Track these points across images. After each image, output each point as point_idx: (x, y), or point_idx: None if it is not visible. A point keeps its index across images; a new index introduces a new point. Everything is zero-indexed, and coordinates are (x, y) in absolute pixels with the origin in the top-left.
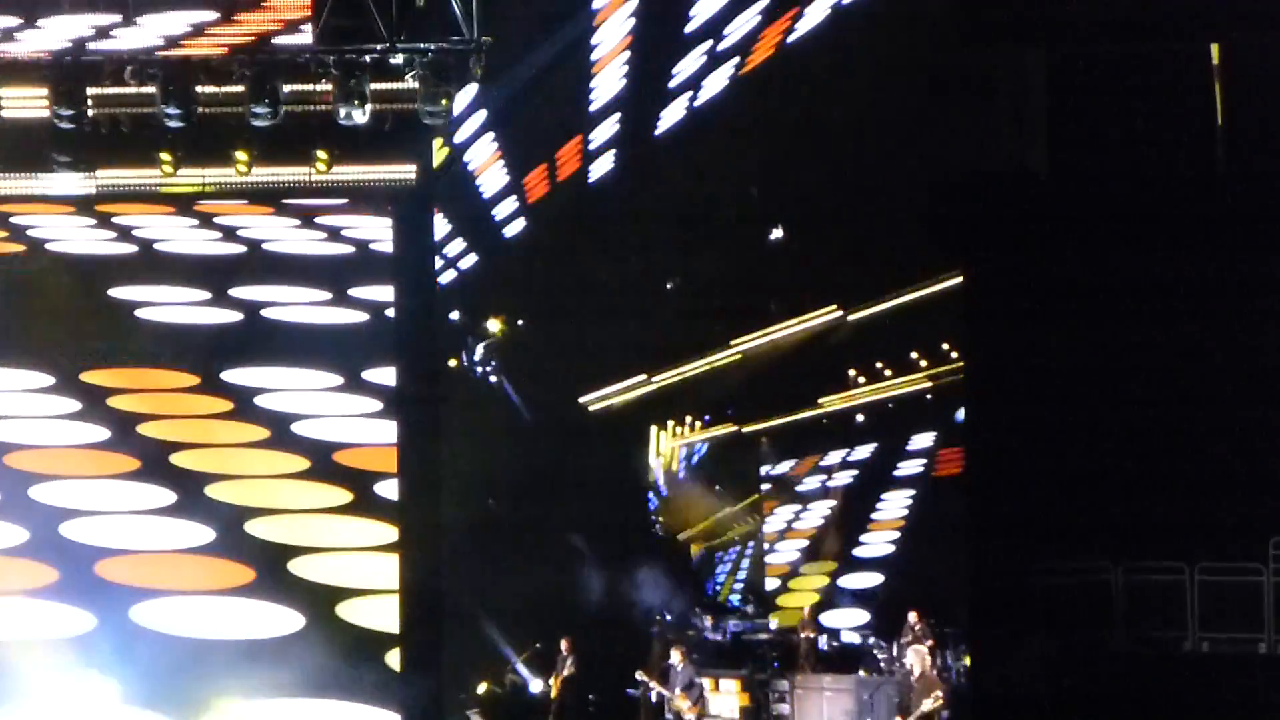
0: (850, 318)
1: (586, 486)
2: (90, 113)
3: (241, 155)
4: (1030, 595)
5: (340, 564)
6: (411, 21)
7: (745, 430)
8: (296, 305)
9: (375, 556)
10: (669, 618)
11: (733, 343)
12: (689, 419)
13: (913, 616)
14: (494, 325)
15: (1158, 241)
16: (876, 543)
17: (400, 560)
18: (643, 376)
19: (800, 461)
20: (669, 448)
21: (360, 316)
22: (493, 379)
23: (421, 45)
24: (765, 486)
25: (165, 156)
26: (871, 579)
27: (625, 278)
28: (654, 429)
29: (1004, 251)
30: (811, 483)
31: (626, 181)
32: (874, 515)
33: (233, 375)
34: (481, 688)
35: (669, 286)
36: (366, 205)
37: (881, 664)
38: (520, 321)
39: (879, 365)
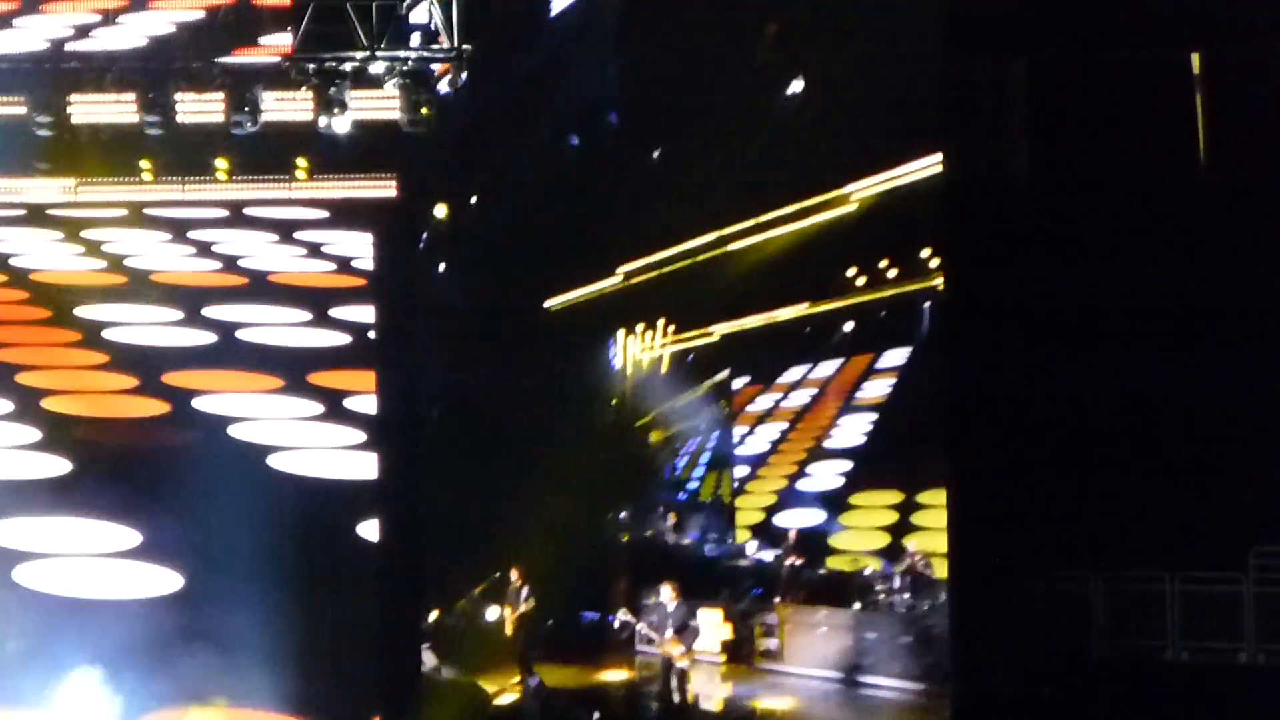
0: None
1: (542, 398)
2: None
3: (222, 164)
4: (1011, 603)
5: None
6: (392, 29)
7: (722, 334)
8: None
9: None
10: (623, 516)
11: (722, 233)
12: (662, 323)
13: (912, 544)
14: (440, 210)
15: (1138, 249)
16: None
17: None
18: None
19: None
20: (638, 356)
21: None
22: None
23: (402, 53)
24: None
25: (145, 164)
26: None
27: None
28: (621, 333)
29: (983, 261)
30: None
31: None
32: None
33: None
34: (433, 616)
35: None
36: (347, 220)
37: (880, 596)
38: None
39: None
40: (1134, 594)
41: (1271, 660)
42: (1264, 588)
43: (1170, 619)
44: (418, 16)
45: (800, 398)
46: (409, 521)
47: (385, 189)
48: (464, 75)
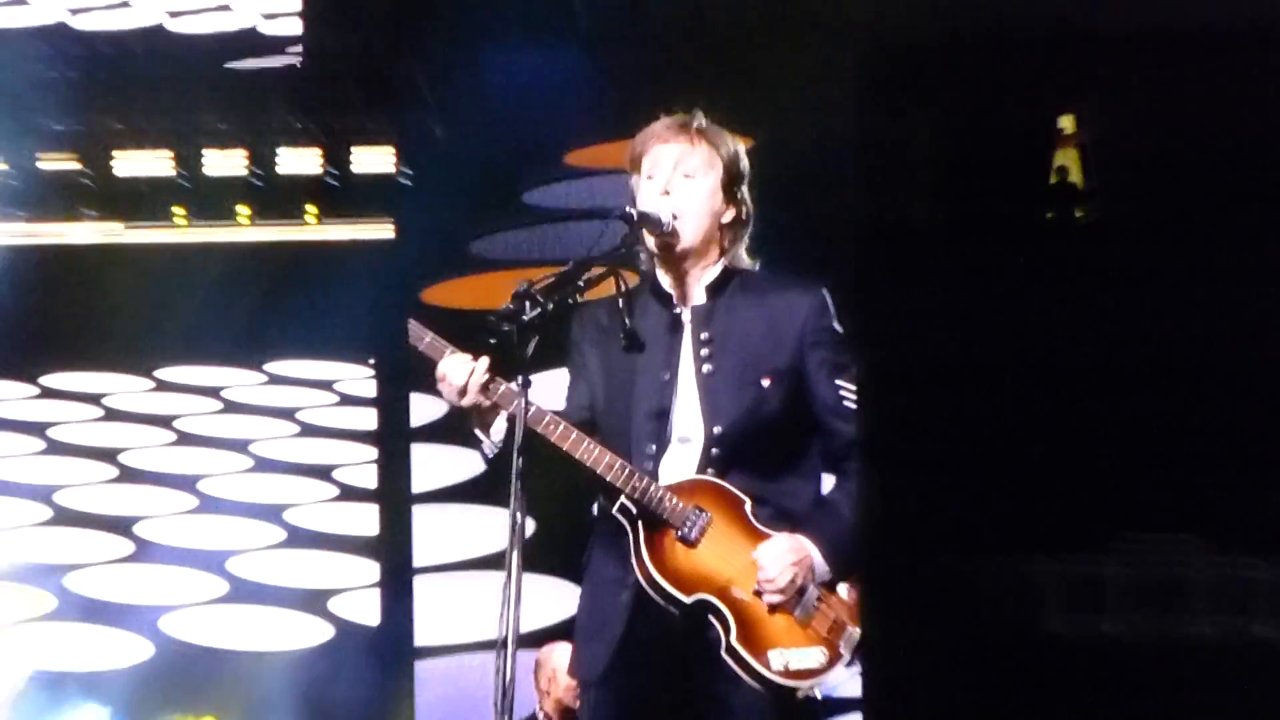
0: None
1: None
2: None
3: (244, 210)
4: (914, 587)
5: None
6: (388, 92)
7: None
8: None
9: None
10: None
11: None
12: None
13: None
14: None
15: (1020, 274)
16: None
17: None
18: None
19: None
20: None
21: None
22: None
23: (394, 113)
24: None
25: (179, 211)
26: None
27: None
28: None
29: (890, 290)
30: None
31: None
32: None
33: None
34: None
35: None
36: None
37: None
38: None
39: None
40: (1016, 575)
41: (1133, 630)
42: (1125, 569)
43: (1048, 596)
44: (410, 75)
45: None
46: None
47: (385, 231)
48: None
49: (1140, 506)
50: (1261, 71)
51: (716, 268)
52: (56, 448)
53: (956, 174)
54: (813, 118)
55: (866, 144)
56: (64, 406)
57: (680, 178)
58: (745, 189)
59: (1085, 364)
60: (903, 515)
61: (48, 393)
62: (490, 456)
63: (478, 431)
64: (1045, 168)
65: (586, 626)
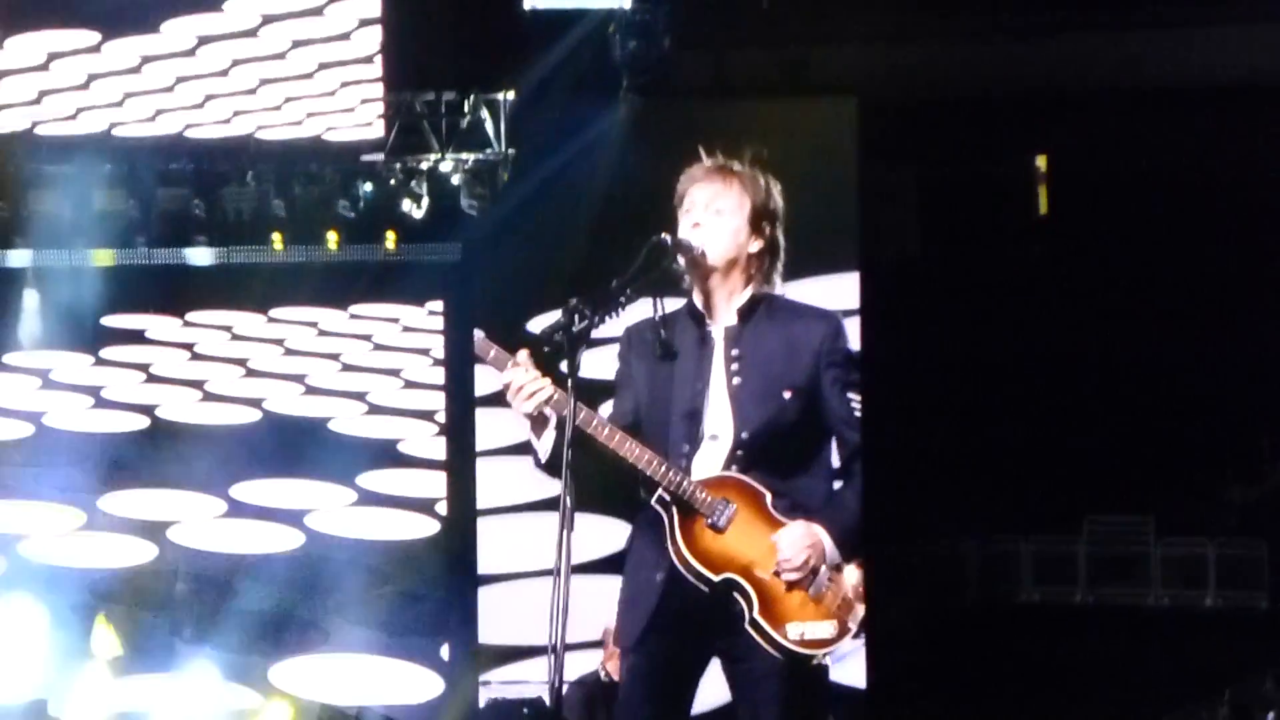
0: None
1: None
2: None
3: (332, 236)
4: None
5: None
6: (458, 137)
7: None
8: None
9: None
10: None
11: None
12: None
13: None
14: None
15: (1000, 306)
16: None
17: None
18: None
19: None
20: None
21: None
22: None
23: (463, 156)
24: None
25: (276, 236)
26: None
27: None
28: None
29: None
30: None
31: None
32: None
33: None
34: None
35: None
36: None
37: None
38: None
39: None
40: (996, 553)
41: (1099, 600)
42: (1092, 547)
43: (1024, 571)
44: (476, 124)
45: None
46: None
47: (453, 255)
48: (508, 173)
49: (1106, 493)
50: (1203, 118)
51: (746, 293)
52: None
53: (945, 211)
54: (820, 162)
55: (866, 186)
56: None
57: (712, 214)
58: (774, 224)
59: (1056, 372)
60: (899, 504)
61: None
62: (544, 461)
63: (532, 438)
64: (1024, 203)
65: (626, 600)
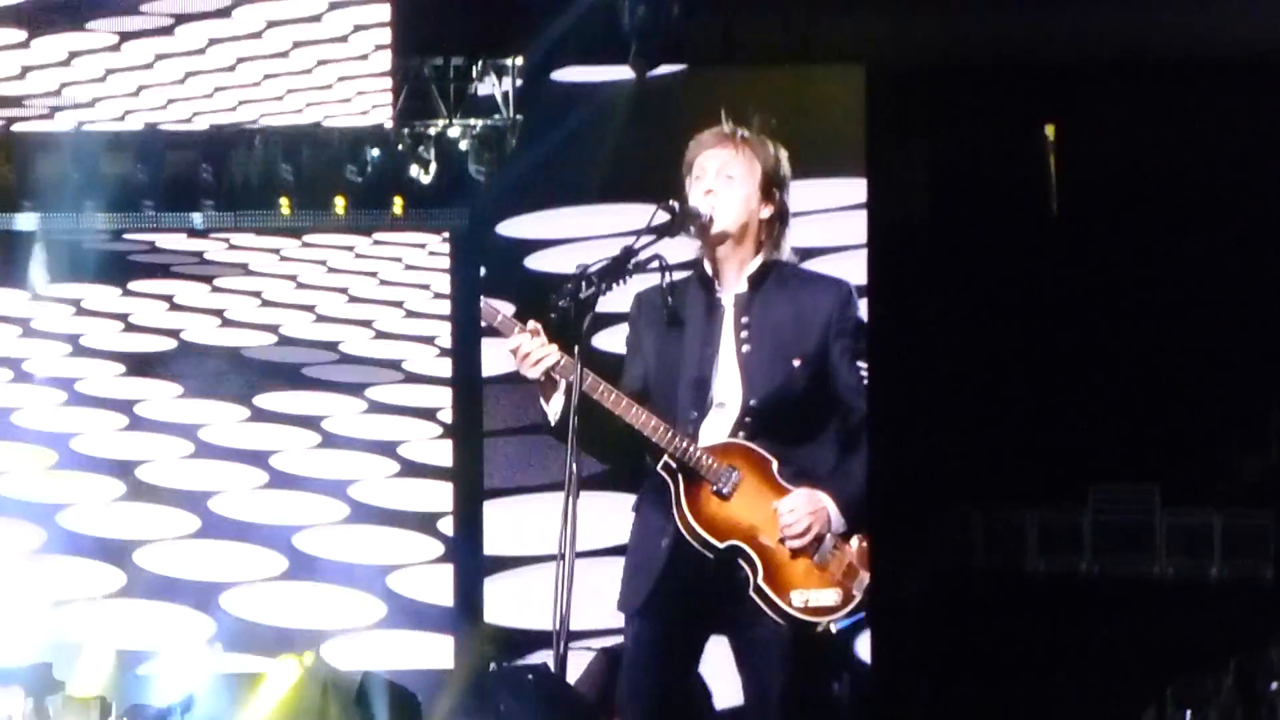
0: None
1: None
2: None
3: (340, 201)
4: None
5: None
6: (465, 103)
7: None
8: None
9: None
10: None
11: None
12: None
13: None
14: None
15: (1006, 270)
16: None
17: None
18: None
19: None
20: None
21: None
22: None
23: (471, 122)
24: None
25: (284, 200)
26: None
27: None
28: None
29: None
30: None
31: None
32: None
33: None
34: None
35: None
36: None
37: None
38: None
39: None
40: (1002, 524)
41: (1104, 570)
42: (1097, 517)
43: (1030, 541)
44: (484, 90)
45: None
46: None
47: (460, 219)
48: (516, 139)
49: (1111, 464)
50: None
51: (756, 260)
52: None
53: (955, 180)
54: (829, 130)
55: (876, 154)
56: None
57: (723, 180)
58: (784, 191)
59: (1063, 342)
60: (904, 474)
61: None
62: (553, 425)
63: (541, 402)
64: (1033, 173)
65: (631, 565)
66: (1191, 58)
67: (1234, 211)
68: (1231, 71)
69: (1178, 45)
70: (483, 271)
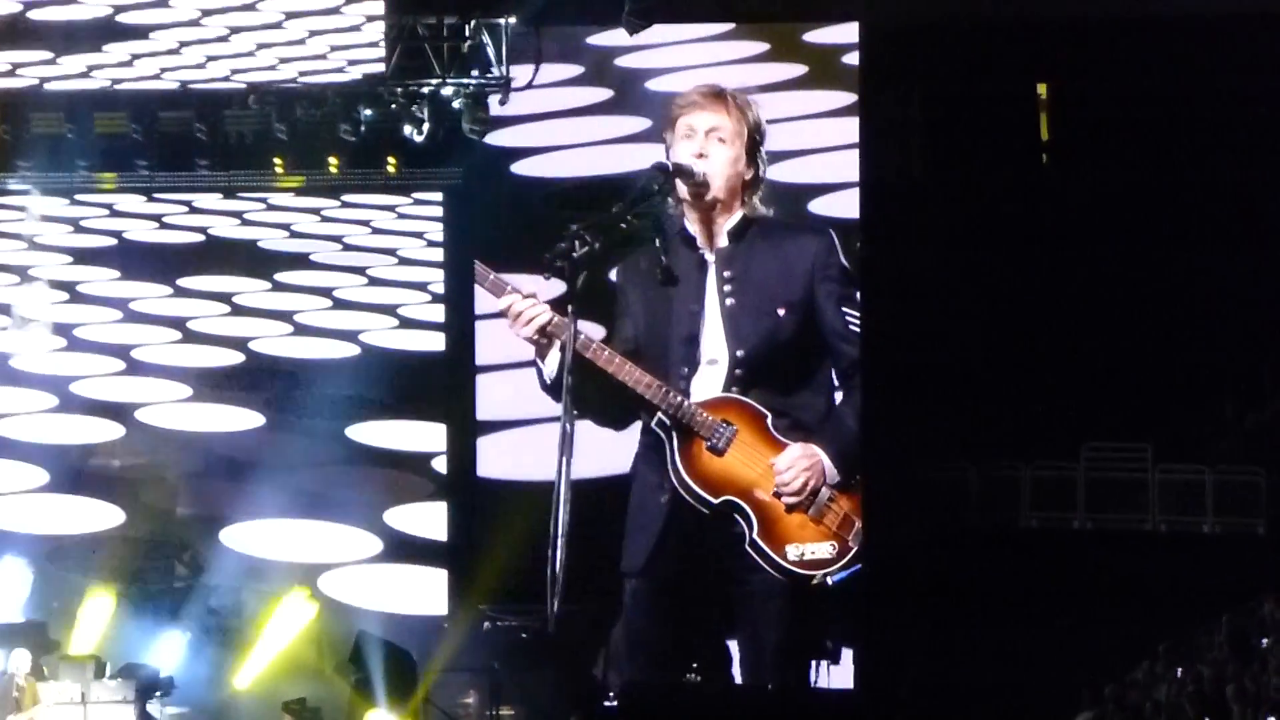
0: None
1: None
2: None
3: (333, 160)
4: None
5: None
6: (459, 61)
7: None
8: None
9: None
10: None
11: None
12: None
13: None
14: None
15: (998, 226)
16: None
17: None
18: None
19: None
20: None
21: None
22: None
23: (465, 81)
24: None
25: (278, 160)
26: None
27: None
28: None
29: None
30: None
31: None
32: None
33: None
34: None
35: None
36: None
37: None
38: None
39: None
40: (998, 479)
41: (1098, 525)
42: (1091, 474)
43: (1024, 497)
44: (478, 49)
45: None
46: None
47: (454, 179)
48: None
49: (1104, 420)
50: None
51: (737, 216)
52: None
53: (947, 134)
54: (825, 84)
55: (870, 109)
56: None
57: (715, 141)
58: (763, 150)
59: (1056, 297)
60: (899, 428)
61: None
62: (549, 383)
63: (537, 360)
64: (1026, 127)
65: (632, 525)
66: (1186, 12)
67: (1225, 168)
68: (1220, 29)
69: (1167, 4)
70: (479, 263)
